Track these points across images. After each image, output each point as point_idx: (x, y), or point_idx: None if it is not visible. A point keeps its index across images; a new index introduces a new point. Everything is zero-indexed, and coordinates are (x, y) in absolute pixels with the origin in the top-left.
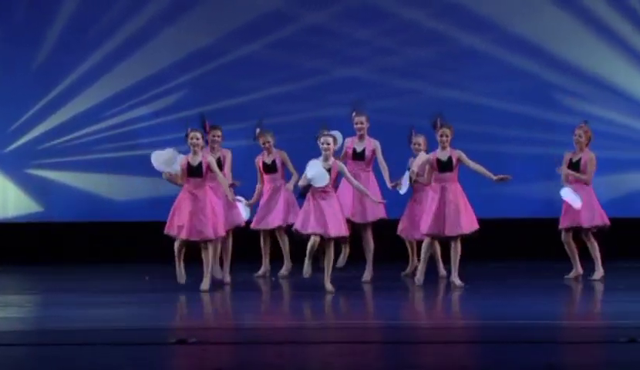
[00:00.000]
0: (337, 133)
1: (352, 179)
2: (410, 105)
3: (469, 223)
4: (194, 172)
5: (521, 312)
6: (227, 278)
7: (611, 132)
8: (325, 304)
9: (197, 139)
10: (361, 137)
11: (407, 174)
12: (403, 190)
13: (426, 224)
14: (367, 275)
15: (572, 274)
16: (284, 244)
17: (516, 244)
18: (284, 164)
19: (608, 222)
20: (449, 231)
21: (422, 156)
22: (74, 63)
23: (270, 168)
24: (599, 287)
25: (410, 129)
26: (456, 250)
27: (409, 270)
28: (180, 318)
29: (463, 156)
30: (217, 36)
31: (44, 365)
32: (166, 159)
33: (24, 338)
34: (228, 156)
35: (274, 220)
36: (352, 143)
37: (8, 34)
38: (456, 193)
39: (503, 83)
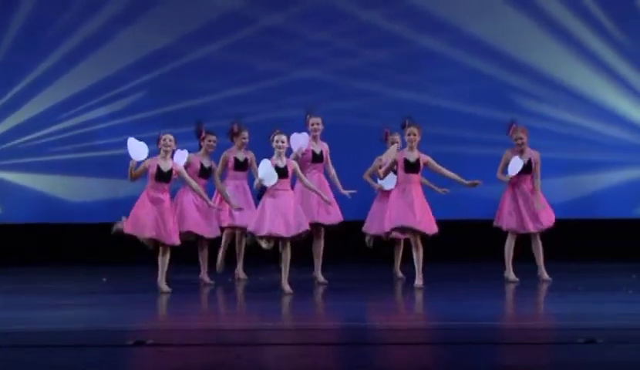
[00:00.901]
0: (304, 135)
1: (304, 178)
2: (368, 107)
3: (429, 226)
4: (163, 177)
5: (481, 314)
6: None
7: (569, 133)
8: (282, 306)
9: (170, 141)
10: (315, 138)
11: (391, 174)
12: (388, 186)
13: (389, 221)
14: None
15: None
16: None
17: (476, 245)
18: (251, 165)
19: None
20: (412, 223)
21: (394, 149)
22: (31, 64)
23: (242, 165)
24: (559, 289)
25: (384, 128)
26: (418, 251)
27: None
28: (137, 320)
29: (432, 162)
30: (174, 37)
31: (3, 368)
32: (137, 148)
33: None
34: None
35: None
36: (310, 146)
37: None
38: (419, 194)
39: (461, 85)
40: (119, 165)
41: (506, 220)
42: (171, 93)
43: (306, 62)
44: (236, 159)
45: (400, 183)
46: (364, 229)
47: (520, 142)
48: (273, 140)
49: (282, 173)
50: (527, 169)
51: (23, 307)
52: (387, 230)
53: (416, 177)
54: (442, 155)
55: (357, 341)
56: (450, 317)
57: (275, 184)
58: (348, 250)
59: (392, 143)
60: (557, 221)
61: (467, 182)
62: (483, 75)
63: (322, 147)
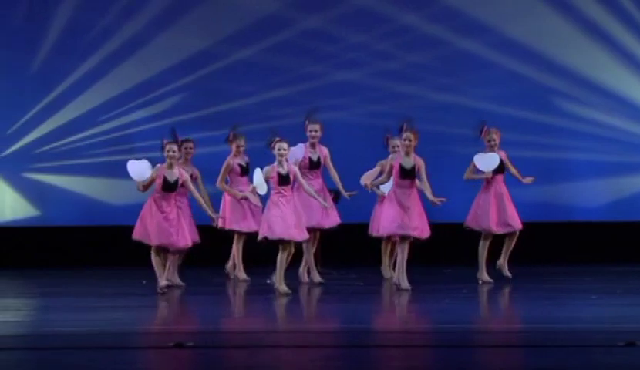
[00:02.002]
0: (300, 146)
1: (305, 183)
2: (406, 110)
3: (423, 231)
4: (170, 187)
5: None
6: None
7: (606, 135)
8: (283, 308)
9: (174, 151)
10: (313, 145)
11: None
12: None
13: (384, 228)
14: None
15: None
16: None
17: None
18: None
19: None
20: (405, 231)
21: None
22: (70, 67)
23: (245, 171)
24: (598, 291)
25: (384, 134)
26: (403, 253)
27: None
28: (177, 322)
29: (422, 168)
30: (212, 40)
31: (42, 369)
32: (138, 170)
33: (21, 341)
34: (199, 175)
35: (250, 225)
36: (307, 152)
37: (6, 38)
38: (415, 200)
39: (499, 87)
40: None
41: (479, 219)
42: (209, 96)
43: (344, 65)
44: (240, 166)
45: (396, 188)
46: (370, 232)
47: (492, 143)
48: (274, 148)
49: (285, 179)
50: (501, 169)
51: (64, 309)
52: (383, 236)
53: (411, 182)
54: None
55: (356, 343)
56: (483, 320)
57: (280, 190)
58: (348, 252)
59: (393, 148)
60: (597, 224)
61: (434, 199)
62: (522, 77)
63: (321, 153)
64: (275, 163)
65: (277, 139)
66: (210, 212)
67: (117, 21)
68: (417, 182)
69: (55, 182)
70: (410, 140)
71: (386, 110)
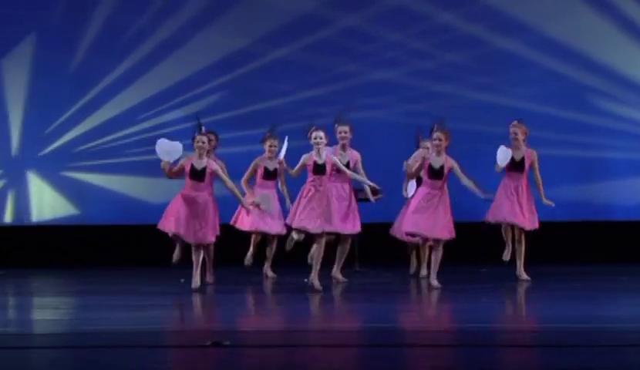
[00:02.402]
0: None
1: (344, 168)
2: (443, 109)
3: (445, 231)
4: (197, 175)
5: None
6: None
7: None
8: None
9: (204, 142)
10: (343, 146)
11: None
12: (410, 192)
13: (407, 224)
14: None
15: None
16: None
17: (552, 247)
18: (279, 173)
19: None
20: (427, 233)
21: (420, 154)
22: (109, 66)
23: (271, 174)
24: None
25: (416, 133)
26: (437, 253)
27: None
28: (215, 321)
29: (456, 167)
30: (250, 39)
31: (80, 368)
32: (168, 150)
33: (60, 340)
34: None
35: (275, 226)
36: (337, 154)
37: (44, 38)
38: (442, 201)
39: (537, 86)
40: None
41: (495, 212)
42: (247, 95)
43: (382, 64)
44: (265, 169)
45: (424, 187)
46: (394, 232)
47: (514, 137)
48: (311, 137)
49: (321, 169)
50: (518, 167)
51: (101, 308)
52: (404, 232)
53: (439, 183)
54: None
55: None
56: (513, 319)
57: (315, 178)
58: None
59: (423, 149)
60: (635, 223)
61: (484, 195)
62: (559, 76)
63: (351, 156)
64: (313, 152)
65: (314, 127)
66: (243, 202)
67: (154, 21)
68: (463, 182)
69: (94, 181)
70: (440, 140)
71: (423, 109)
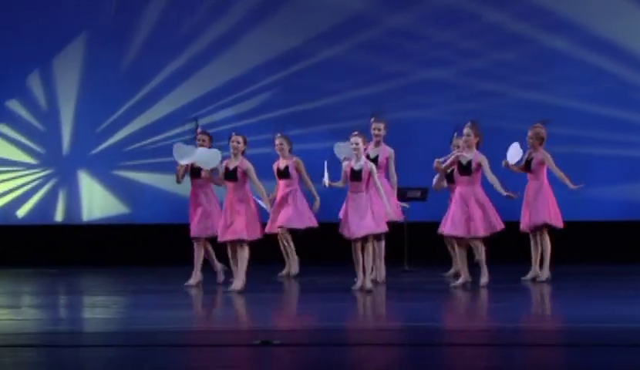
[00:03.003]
0: (347, 144)
1: (379, 185)
2: (492, 108)
3: (481, 229)
4: (229, 176)
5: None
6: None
7: None
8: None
9: (238, 143)
10: (377, 143)
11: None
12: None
13: (445, 226)
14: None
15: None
16: (290, 245)
17: (598, 247)
18: (298, 171)
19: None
20: (465, 233)
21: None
22: (160, 65)
23: (281, 174)
24: None
25: (453, 131)
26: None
27: (451, 271)
28: (263, 320)
29: (485, 163)
30: (302, 38)
31: (130, 367)
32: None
33: (110, 339)
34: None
35: (280, 219)
36: (368, 149)
37: (96, 36)
38: (477, 196)
39: (586, 85)
40: None
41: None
42: (298, 94)
43: (431, 63)
44: (277, 168)
45: (458, 186)
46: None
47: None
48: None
49: (356, 175)
50: (525, 167)
51: (151, 307)
52: (445, 234)
53: (469, 179)
54: (567, 155)
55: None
56: (578, 320)
57: (352, 185)
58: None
59: (455, 147)
60: None
61: (505, 192)
62: (608, 75)
63: (382, 153)
64: (352, 158)
65: (354, 133)
66: (266, 205)
67: (207, 19)
68: (489, 178)
69: (144, 180)
70: (469, 135)
71: (472, 108)
